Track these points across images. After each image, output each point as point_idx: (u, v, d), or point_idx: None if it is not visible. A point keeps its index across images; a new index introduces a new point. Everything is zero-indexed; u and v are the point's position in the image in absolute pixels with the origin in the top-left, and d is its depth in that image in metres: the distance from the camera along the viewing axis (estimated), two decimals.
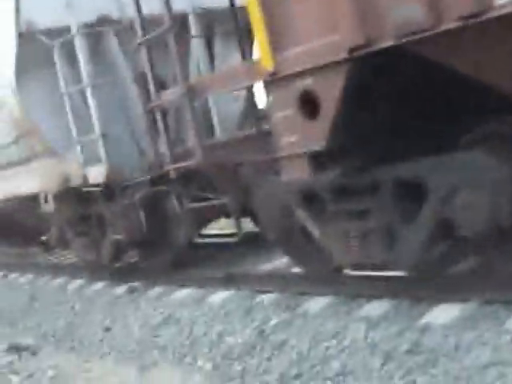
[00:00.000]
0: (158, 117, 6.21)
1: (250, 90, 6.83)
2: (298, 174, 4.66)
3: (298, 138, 4.52)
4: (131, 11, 6.40)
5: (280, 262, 7.07)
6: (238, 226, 6.02)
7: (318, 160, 4.62)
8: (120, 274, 8.15)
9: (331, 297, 5.57)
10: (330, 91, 4.20)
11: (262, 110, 7.12)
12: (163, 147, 6.34)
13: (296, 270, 6.24)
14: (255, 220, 6.81)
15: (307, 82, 4.34)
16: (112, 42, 7.50)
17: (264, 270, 6.98)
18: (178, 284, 7.32)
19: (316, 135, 4.43)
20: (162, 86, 7.05)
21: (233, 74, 5.17)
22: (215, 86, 5.47)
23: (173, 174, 6.02)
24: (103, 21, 7.44)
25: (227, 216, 7.01)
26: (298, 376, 4.58)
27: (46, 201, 7.96)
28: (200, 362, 5.37)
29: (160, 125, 6.23)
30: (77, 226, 8.10)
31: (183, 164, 5.82)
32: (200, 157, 5.50)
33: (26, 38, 7.31)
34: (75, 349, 6.70)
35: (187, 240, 7.38)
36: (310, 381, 4.49)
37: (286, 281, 6.21)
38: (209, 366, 5.25)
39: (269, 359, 4.95)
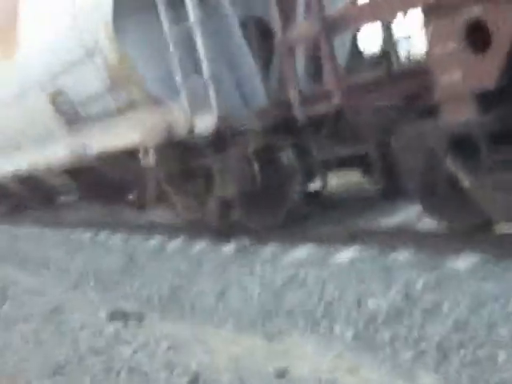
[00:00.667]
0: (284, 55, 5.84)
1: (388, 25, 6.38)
2: (459, 116, 4.28)
3: (463, 75, 4.13)
4: None
5: (407, 215, 6.70)
6: (379, 178, 5.64)
7: (483, 101, 4.22)
8: (226, 232, 7.91)
9: (479, 255, 5.12)
10: (505, 22, 3.80)
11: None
12: (289, 90, 5.99)
13: (428, 224, 5.86)
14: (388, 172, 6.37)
15: (476, 11, 3.94)
16: None
17: (392, 224, 6.60)
18: (294, 242, 6.96)
19: (484, 72, 4.03)
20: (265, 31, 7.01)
21: (387, 2, 4.77)
22: (362, 17, 5.07)
23: (302, 120, 5.68)
24: None
25: (356, 167, 6.65)
26: (460, 345, 4.25)
27: (145, 154, 7.76)
28: (338, 330, 5.06)
29: (288, 64, 5.87)
30: (179, 182, 7.89)
31: (319, 107, 5.43)
32: (339, 98, 5.14)
33: None
34: (185, 316, 6.45)
35: (303, 193, 7.07)
36: (476, 350, 4.15)
37: (422, 237, 5.85)
38: (349, 333, 4.94)
39: (422, 326, 4.63)
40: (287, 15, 6.05)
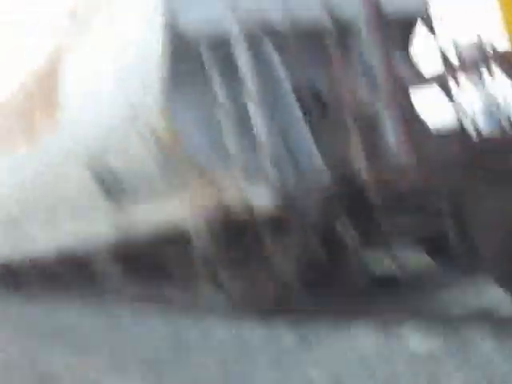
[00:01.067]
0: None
1: None
2: None
3: None
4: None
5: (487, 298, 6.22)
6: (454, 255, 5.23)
7: None
8: (284, 316, 7.46)
9: None
10: None
11: None
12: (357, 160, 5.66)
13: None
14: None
15: None
16: (270, 49, 7.02)
17: (471, 308, 6.10)
18: (358, 325, 6.52)
19: None
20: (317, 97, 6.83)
21: None
22: None
23: (374, 192, 5.30)
24: (264, 27, 6.95)
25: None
26: None
27: (197, 234, 7.43)
28: None
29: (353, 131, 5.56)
30: (232, 263, 7.52)
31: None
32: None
33: (177, 48, 6.87)
34: None
35: (369, 274, 6.64)
36: None
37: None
38: None
39: None
40: None
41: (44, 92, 10.63)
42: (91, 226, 10.51)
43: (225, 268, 7.53)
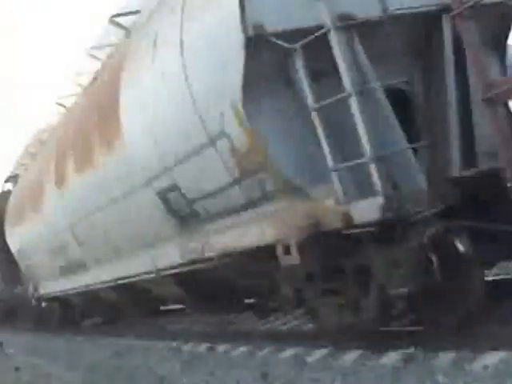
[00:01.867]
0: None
1: None
2: None
3: None
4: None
5: None
6: None
7: None
8: (385, 339, 6.90)
9: None
10: None
11: None
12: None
13: None
14: None
15: None
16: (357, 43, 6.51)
17: None
18: (478, 348, 5.90)
19: None
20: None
21: None
22: None
23: None
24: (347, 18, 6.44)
25: None
26: None
27: (283, 252, 6.90)
28: None
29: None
30: (324, 281, 6.98)
31: None
32: None
33: (257, 45, 6.38)
34: None
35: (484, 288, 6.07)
36: None
37: None
38: None
39: None
40: None
41: (101, 111, 10.21)
42: (156, 255, 10.00)
43: (313, 286, 6.92)
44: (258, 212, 7.27)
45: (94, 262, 13.35)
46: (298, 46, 6.24)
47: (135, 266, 11.35)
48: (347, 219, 6.05)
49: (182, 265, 9.57)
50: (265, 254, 7.50)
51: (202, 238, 8.62)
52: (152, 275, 10.75)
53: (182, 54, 7.37)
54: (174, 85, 7.63)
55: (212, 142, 7.26)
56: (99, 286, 13.84)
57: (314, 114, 6.27)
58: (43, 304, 20.02)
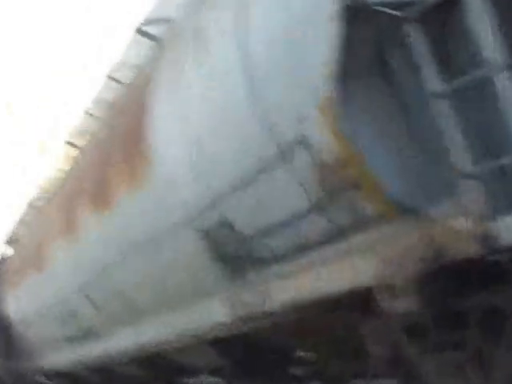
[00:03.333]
0: None
1: None
2: None
3: None
4: None
5: None
6: None
7: None
8: None
9: None
10: None
11: None
12: None
13: None
14: None
15: None
16: None
17: None
18: None
19: None
20: None
21: None
22: None
23: None
24: None
25: None
26: None
27: (389, 295, 5.18)
28: None
29: None
30: (441, 331, 5.29)
31: None
32: None
33: (356, 18, 4.80)
34: None
35: None
36: None
37: None
38: None
39: None
40: None
41: (121, 139, 8.59)
42: (196, 314, 8.25)
43: (430, 346, 5.24)
44: (347, 245, 5.54)
45: (109, 328, 11.53)
46: (414, 14, 4.59)
47: (164, 330, 9.55)
48: (488, 242, 4.37)
49: (229, 323, 7.80)
50: (351, 300, 5.81)
51: (261, 287, 6.89)
52: (186, 340, 8.95)
53: (241, 43, 5.75)
54: (229, 85, 6.01)
55: (284, 156, 5.64)
56: (115, 357, 11.98)
57: (439, 103, 4.60)
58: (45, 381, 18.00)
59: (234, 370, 9.99)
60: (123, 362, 12.40)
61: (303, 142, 5.51)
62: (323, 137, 5.27)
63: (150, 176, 8.01)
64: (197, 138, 6.88)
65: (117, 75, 10.15)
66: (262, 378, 10.29)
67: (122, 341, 11.28)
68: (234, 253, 7.17)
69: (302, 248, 6.17)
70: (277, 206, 6.15)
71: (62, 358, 15.40)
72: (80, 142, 12.72)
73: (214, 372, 11.12)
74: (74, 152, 13.07)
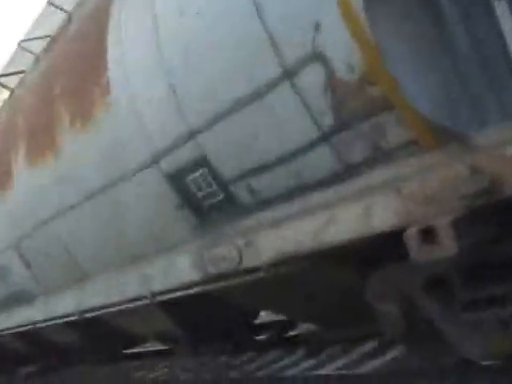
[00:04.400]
0: None
1: None
2: None
3: None
4: None
5: None
6: None
7: None
8: None
9: None
10: None
11: None
12: None
13: None
14: None
15: None
16: None
17: None
18: None
19: None
20: None
21: None
22: None
23: None
24: None
25: None
26: None
27: (424, 239, 4.28)
28: None
29: None
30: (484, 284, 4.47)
31: None
32: None
33: None
34: None
35: None
36: None
37: None
38: None
39: None
40: None
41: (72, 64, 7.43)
42: (154, 273, 7.20)
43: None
44: (362, 183, 4.57)
45: (46, 289, 10.30)
46: None
47: (114, 293, 8.42)
48: None
49: (195, 284, 6.77)
50: (361, 250, 4.89)
51: (239, 240, 5.86)
52: (140, 304, 7.85)
53: None
54: None
55: (287, 74, 4.55)
56: (51, 324, 10.75)
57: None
58: None
59: (187, 337, 8.94)
60: (58, 328, 11.18)
61: (315, 56, 4.47)
62: (343, 47, 4.24)
63: (106, 111, 6.87)
64: (169, 56, 5.76)
65: None
66: (220, 345, 9.33)
67: (59, 305, 10.05)
68: (206, 199, 6.11)
69: (302, 190, 5.16)
70: (273, 139, 5.13)
71: None
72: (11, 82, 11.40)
73: (162, 339, 10.02)
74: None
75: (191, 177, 6.13)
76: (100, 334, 10.92)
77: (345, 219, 4.89)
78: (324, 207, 5.06)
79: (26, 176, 9.24)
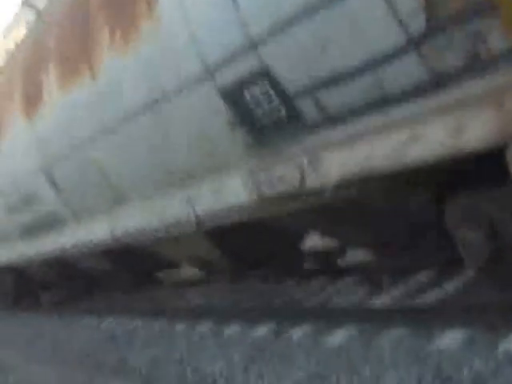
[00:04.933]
0: None
1: None
2: None
3: None
4: None
5: None
6: None
7: None
8: None
9: None
10: None
11: None
12: None
13: None
14: None
15: None
16: None
17: None
18: None
19: None
20: None
21: None
22: None
23: None
24: None
25: None
26: None
27: None
28: None
29: None
30: None
31: None
32: None
33: None
34: None
35: None
36: None
37: None
38: None
39: None
40: None
41: None
42: (201, 195, 6.83)
43: None
44: (456, 95, 4.12)
45: (76, 215, 9.97)
46: None
47: (151, 216, 8.08)
48: None
49: (248, 208, 6.40)
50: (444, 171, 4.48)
51: (301, 159, 5.44)
52: (183, 226, 7.52)
53: None
54: None
55: None
56: (82, 250, 10.46)
57: None
58: None
59: (228, 263, 8.62)
60: (88, 254, 10.89)
61: None
62: None
63: (152, 22, 6.40)
64: None
65: None
66: (263, 272, 9.02)
67: (91, 230, 9.73)
68: (265, 116, 5.67)
69: (381, 103, 4.71)
70: (349, 47, 4.67)
71: (11, 250, 13.78)
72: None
73: (200, 264, 9.70)
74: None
75: (250, 91, 5.69)
76: (132, 260, 10.63)
77: (431, 136, 4.46)
78: (407, 123, 4.63)
79: (59, 99, 8.81)
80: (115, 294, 13.20)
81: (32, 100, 9.71)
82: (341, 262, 9.08)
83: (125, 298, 12.62)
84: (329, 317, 6.63)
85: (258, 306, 8.40)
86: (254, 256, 8.44)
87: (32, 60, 10.02)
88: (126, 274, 11.56)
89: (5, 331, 13.24)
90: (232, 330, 7.58)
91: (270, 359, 6.11)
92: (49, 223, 11.07)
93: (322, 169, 5.54)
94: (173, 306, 10.41)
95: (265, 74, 5.48)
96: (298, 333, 6.63)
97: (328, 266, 9.09)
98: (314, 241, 8.80)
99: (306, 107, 5.37)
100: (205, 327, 8.03)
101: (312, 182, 5.62)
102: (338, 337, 6.06)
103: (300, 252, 9.05)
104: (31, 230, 11.87)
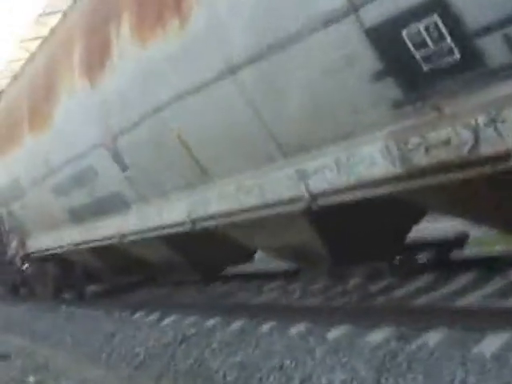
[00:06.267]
0: None
1: None
2: None
3: None
4: None
5: None
6: None
7: None
8: None
9: None
10: None
11: None
12: None
13: None
14: None
15: None
16: None
17: None
18: None
19: None
20: None
21: None
22: None
23: None
24: None
25: None
26: None
27: None
28: None
29: None
30: None
31: None
32: None
33: None
34: None
35: None
36: None
37: None
38: None
39: None
40: None
41: None
42: (315, 168, 5.64)
43: None
44: None
45: (144, 196, 8.82)
46: None
47: (244, 196, 6.92)
48: None
49: (387, 181, 5.22)
50: None
51: (476, 117, 4.23)
52: (289, 207, 6.38)
53: None
54: None
55: None
56: (145, 236, 9.34)
57: None
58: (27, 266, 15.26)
59: (328, 254, 7.44)
60: (148, 242, 9.75)
61: None
62: None
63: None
64: None
65: None
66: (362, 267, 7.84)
67: (164, 213, 8.59)
68: (430, 60, 4.50)
69: None
70: None
71: (58, 237, 12.67)
72: None
73: (290, 255, 8.53)
74: None
75: (410, 29, 4.48)
76: (202, 249, 9.48)
77: None
78: None
79: (132, 55, 7.62)
80: (168, 287, 12.07)
81: (95, 61, 8.54)
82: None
83: (182, 290, 11.47)
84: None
85: (351, 307, 7.25)
86: (357, 248, 7.24)
87: (97, 11, 8.83)
88: (190, 266, 10.38)
89: (48, 327, 12.09)
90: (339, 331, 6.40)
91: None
92: (107, 206, 9.93)
93: (504, 129, 4.32)
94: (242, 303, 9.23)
95: (437, 6, 4.27)
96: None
97: (442, 260, 7.89)
98: (429, 230, 7.62)
99: (491, 49, 4.16)
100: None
101: (489, 145, 4.42)
102: None
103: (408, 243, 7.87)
104: (90, 211, 10.72)
